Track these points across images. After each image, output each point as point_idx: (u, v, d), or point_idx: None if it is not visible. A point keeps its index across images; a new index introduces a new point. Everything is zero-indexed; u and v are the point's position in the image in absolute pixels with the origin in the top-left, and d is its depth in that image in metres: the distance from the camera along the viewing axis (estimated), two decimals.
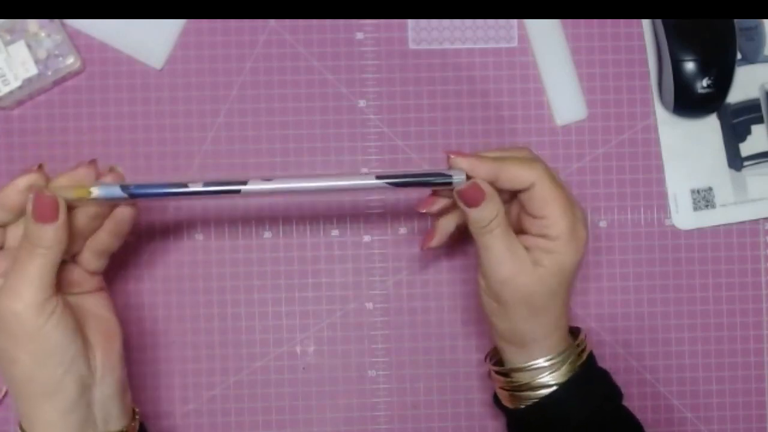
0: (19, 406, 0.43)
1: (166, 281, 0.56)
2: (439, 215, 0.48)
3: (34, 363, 0.41)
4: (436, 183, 0.44)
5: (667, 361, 0.57)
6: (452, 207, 0.47)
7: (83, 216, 0.44)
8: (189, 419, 0.55)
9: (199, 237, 0.56)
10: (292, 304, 0.56)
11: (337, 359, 0.56)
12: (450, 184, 0.44)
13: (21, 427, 0.44)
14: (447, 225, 0.48)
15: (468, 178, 0.44)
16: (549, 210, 0.44)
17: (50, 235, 0.41)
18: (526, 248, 0.44)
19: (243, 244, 0.56)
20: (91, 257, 0.46)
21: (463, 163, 0.44)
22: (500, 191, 0.44)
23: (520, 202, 0.45)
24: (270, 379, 0.56)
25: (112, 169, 0.45)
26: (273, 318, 0.56)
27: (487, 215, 0.43)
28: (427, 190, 0.47)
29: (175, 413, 0.55)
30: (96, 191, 0.43)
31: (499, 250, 0.43)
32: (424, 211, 0.47)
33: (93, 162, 0.44)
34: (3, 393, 0.55)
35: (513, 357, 0.47)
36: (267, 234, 0.56)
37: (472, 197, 0.43)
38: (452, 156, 0.44)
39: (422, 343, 0.56)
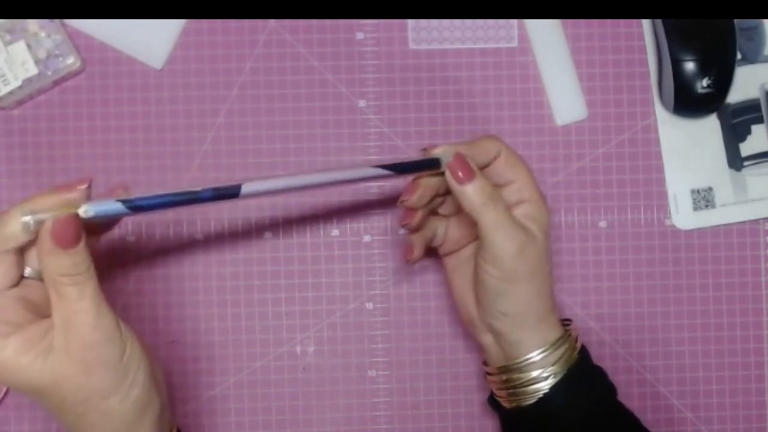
0: None
1: (166, 281, 0.56)
2: (414, 231, 0.48)
3: (125, 390, 0.39)
4: (426, 167, 0.46)
5: (667, 361, 0.57)
6: (425, 218, 0.48)
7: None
8: (189, 419, 0.55)
9: (200, 237, 0.56)
10: (292, 304, 0.56)
11: (337, 359, 0.56)
12: (439, 165, 0.45)
13: None
14: (422, 236, 0.49)
15: None
16: (518, 172, 0.46)
17: (83, 256, 0.38)
18: None
19: (243, 244, 0.56)
20: None
21: (437, 149, 0.46)
22: None
23: (489, 175, 0.46)
24: (270, 379, 0.56)
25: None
26: (273, 318, 0.56)
27: (483, 187, 0.44)
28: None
29: (175, 413, 0.55)
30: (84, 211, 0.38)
31: (506, 223, 0.44)
32: (406, 200, 0.46)
33: (85, 184, 0.39)
34: (3, 393, 0.55)
35: (518, 348, 0.46)
36: (267, 234, 0.56)
37: (463, 168, 0.44)
38: (427, 148, 0.46)
39: (422, 343, 0.56)
